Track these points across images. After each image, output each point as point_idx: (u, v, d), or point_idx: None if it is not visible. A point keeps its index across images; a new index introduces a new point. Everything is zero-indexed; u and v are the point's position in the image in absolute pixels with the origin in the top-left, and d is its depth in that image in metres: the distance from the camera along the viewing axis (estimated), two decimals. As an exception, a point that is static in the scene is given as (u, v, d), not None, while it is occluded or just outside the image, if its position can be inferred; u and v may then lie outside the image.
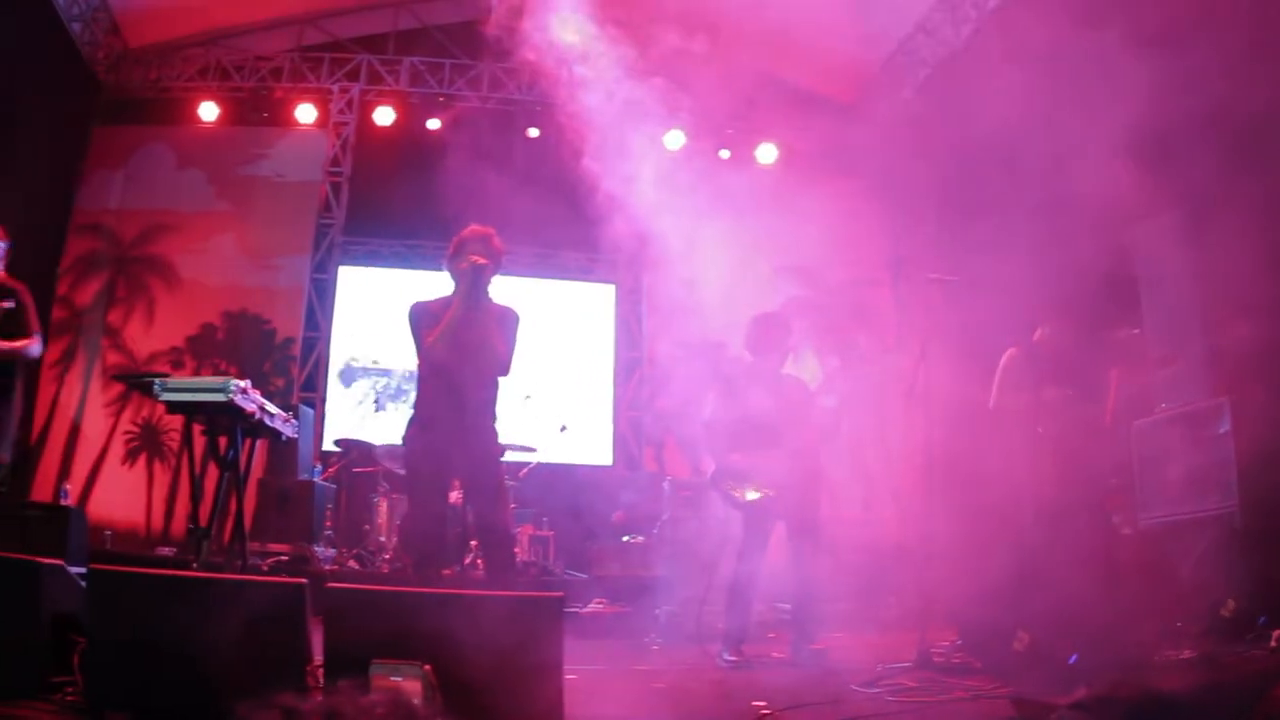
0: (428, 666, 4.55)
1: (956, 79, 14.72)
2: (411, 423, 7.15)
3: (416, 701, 4.38)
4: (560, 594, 5.26)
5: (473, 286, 6.96)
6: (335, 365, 18.72)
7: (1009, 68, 11.21)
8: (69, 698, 5.03)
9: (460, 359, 6.88)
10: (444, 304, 7.09)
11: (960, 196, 11.64)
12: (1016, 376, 8.84)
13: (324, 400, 18.36)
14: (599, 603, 12.16)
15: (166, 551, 14.28)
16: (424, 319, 7.09)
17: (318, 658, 4.98)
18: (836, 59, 16.45)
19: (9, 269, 9.15)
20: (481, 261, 6.96)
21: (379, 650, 4.76)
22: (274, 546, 13.18)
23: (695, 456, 16.15)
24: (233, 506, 8.54)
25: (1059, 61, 9.73)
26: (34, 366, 9.54)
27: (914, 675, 6.99)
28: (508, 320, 7.12)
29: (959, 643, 7.77)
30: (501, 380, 7.21)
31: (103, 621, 5.01)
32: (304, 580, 5.16)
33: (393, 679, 4.50)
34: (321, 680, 4.88)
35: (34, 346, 8.78)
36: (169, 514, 17.20)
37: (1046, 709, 4.60)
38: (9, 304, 8.67)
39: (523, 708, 4.76)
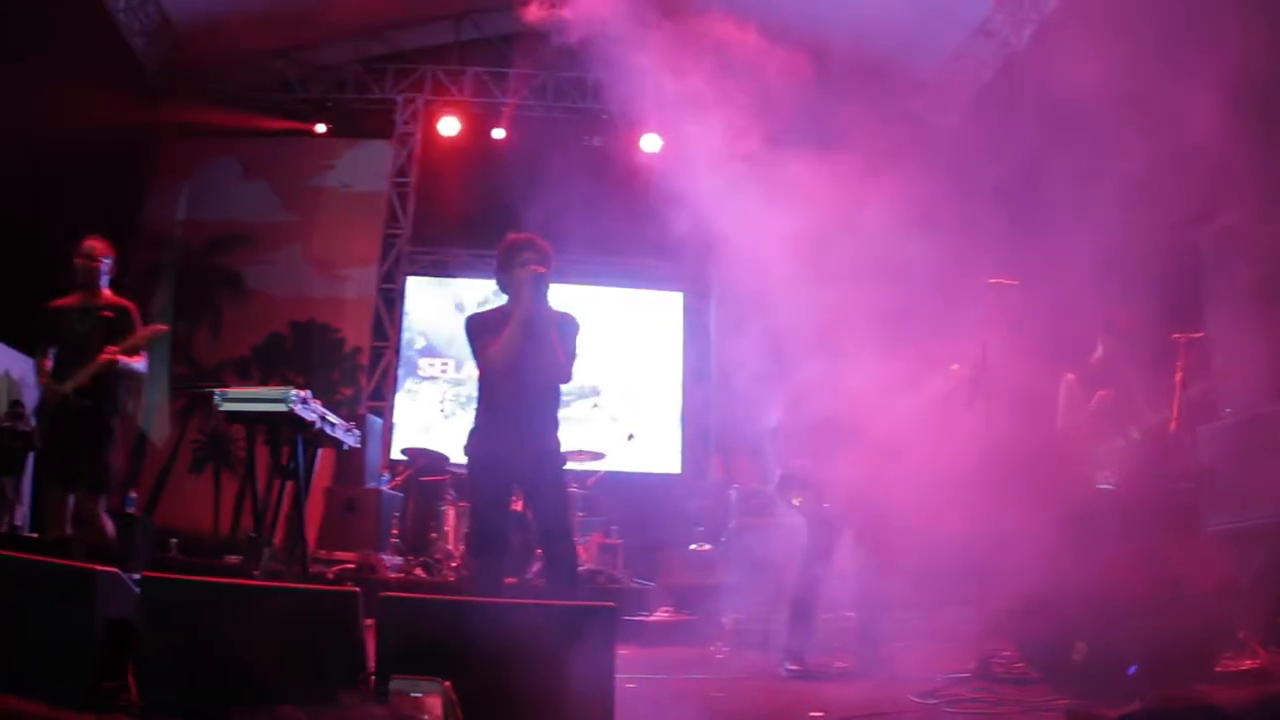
0: (448, 683, 4.50)
1: (1017, 80, 14.59)
2: (473, 432, 7.10)
3: (428, 717, 4.35)
4: (611, 604, 5.23)
5: (534, 295, 6.91)
6: (403, 374, 18.80)
7: (1070, 68, 11.08)
8: (121, 703, 5.03)
9: (522, 368, 6.83)
10: (500, 314, 7.03)
11: (1023, 199, 11.53)
12: (1077, 401, 8.70)
13: (392, 409, 18.49)
14: (665, 610, 12.12)
15: (234, 559, 14.35)
16: (482, 330, 7.04)
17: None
18: (899, 59, 16.34)
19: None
20: (542, 270, 6.92)
21: (427, 658, 4.74)
22: (341, 555, 13.23)
23: (764, 464, 16.12)
24: (291, 515, 8.53)
25: (1121, 60, 9.60)
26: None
27: (972, 685, 6.89)
28: (568, 326, 7.07)
29: (1017, 653, 7.67)
30: (563, 387, 7.17)
31: (156, 628, 5.03)
32: (357, 589, 5.14)
33: (413, 694, 4.46)
34: (373, 688, 4.87)
35: (141, 363, 8.76)
36: (236, 522, 17.18)
37: (1096, 720, 4.51)
38: (109, 314, 8.66)
39: (572, 717, 4.71)
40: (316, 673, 4.79)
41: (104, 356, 8.34)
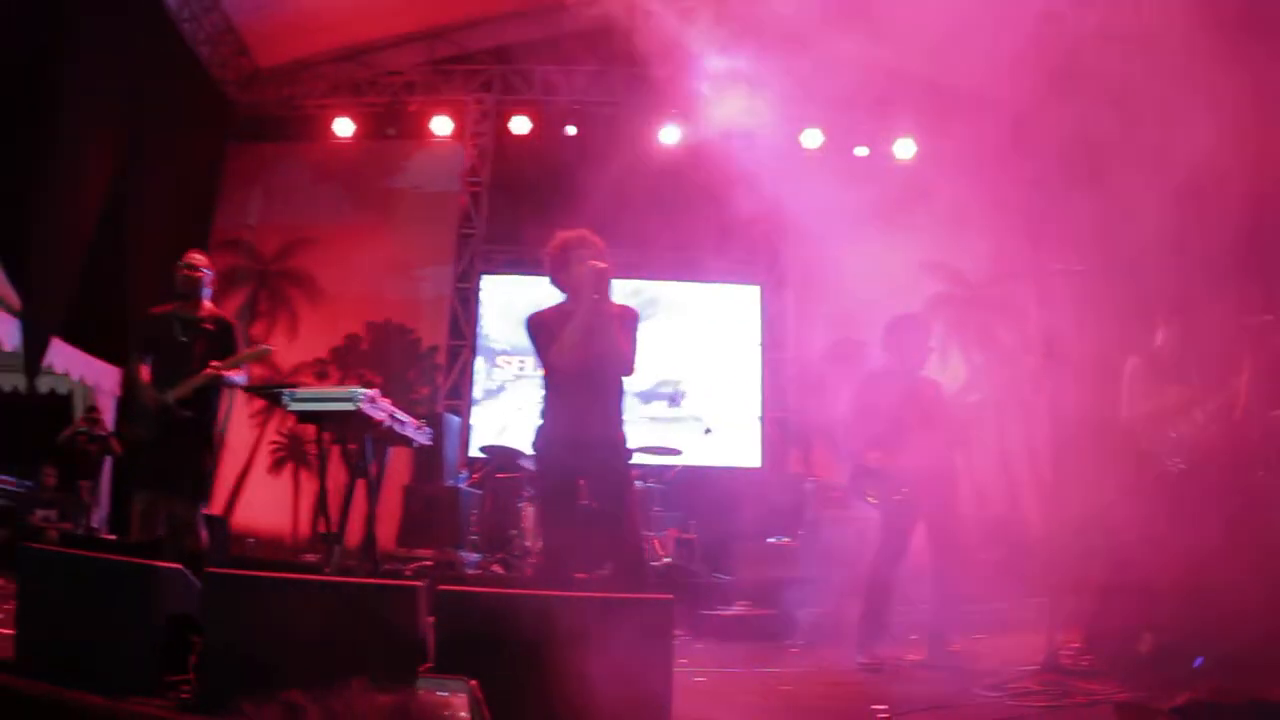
0: (474, 682, 4.50)
1: (1087, 64, 14.41)
2: (539, 429, 7.08)
3: (450, 714, 4.34)
4: (668, 596, 5.21)
5: (597, 291, 6.88)
6: (480, 372, 18.87)
7: (1138, 49, 10.92)
8: (183, 696, 5.12)
9: (587, 364, 6.81)
10: (560, 312, 7.00)
11: (1092, 182, 11.37)
12: (1143, 386, 8.56)
13: (470, 407, 18.56)
14: (742, 605, 12.04)
15: (311, 558, 14.45)
16: (543, 329, 7.02)
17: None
18: (964, 49, 16.19)
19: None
20: (603, 265, 6.88)
21: (481, 651, 4.76)
22: (419, 552, 13.31)
23: (842, 456, 16.05)
24: (364, 512, 8.57)
25: (1192, 37, 9.44)
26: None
27: (1039, 678, 6.82)
28: (628, 320, 7.03)
29: (1084, 644, 7.58)
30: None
31: (217, 623, 5.12)
32: (419, 583, 5.15)
33: (439, 693, 4.45)
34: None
35: (241, 377, 8.85)
36: (315, 522, 17.26)
37: (1149, 714, 4.44)
38: (210, 326, 8.75)
39: (627, 710, 4.69)
40: (376, 666, 4.80)
41: (209, 371, 8.43)
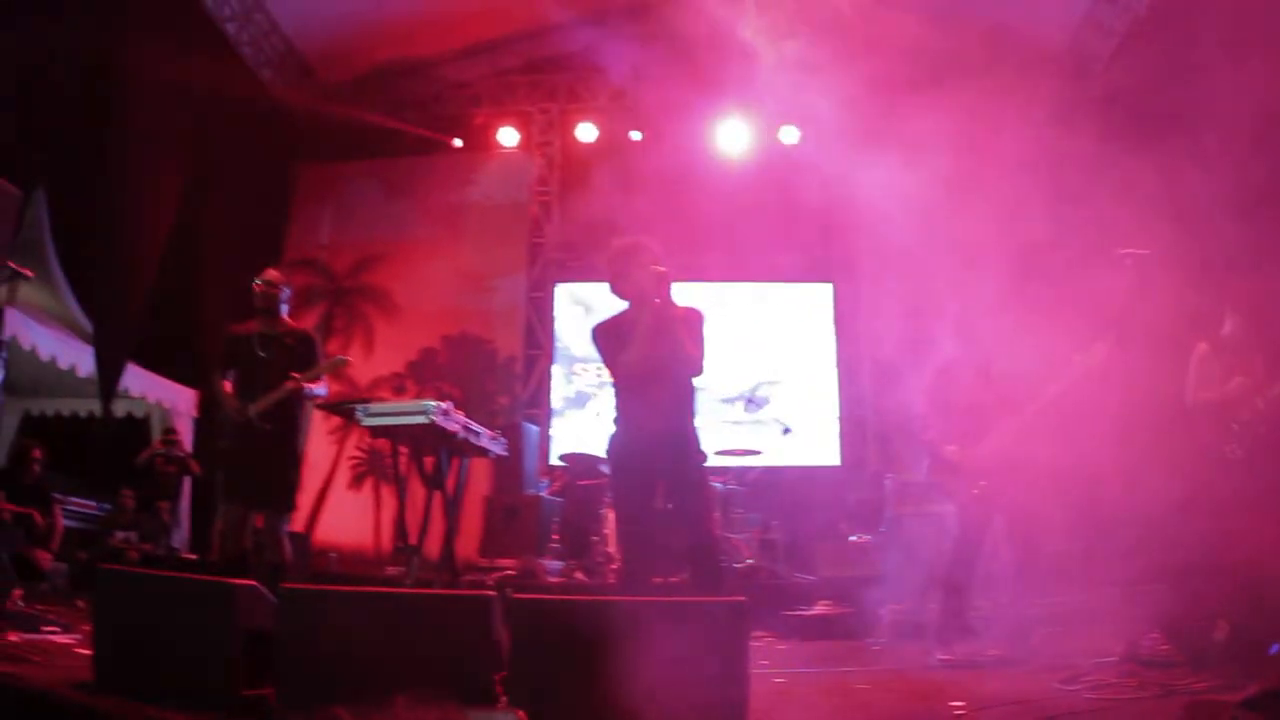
0: (521, 714, 4.52)
1: (1148, 44, 14.25)
2: (613, 437, 7.11)
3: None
4: (742, 598, 5.20)
5: (658, 295, 6.89)
6: (559, 380, 18.97)
7: (1201, 25, 10.82)
8: (261, 710, 5.16)
9: (655, 369, 6.83)
10: (626, 319, 7.03)
11: (1160, 164, 11.25)
12: (1209, 372, 8.45)
13: (549, 416, 18.66)
14: (825, 604, 12.01)
15: (394, 571, 14.55)
16: (608, 337, 7.06)
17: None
18: (1018, 34, 16.02)
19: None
20: (663, 269, 6.89)
21: (555, 658, 4.79)
22: (501, 561, 13.37)
23: (921, 451, 15.99)
24: (443, 524, 8.64)
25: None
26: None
27: (1118, 670, 6.75)
28: (694, 321, 7.03)
29: (1163, 635, 7.50)
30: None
31: (294, 638, 5.17)
32: (493, 593, 5.18)
33: None
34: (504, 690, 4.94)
35: (322, 388, 8.96)
36: (396, 535, 17.37)
37: (1218, 708, 4.40)
38: (291, 340, 8.87)
39: (703, 715, 4.70)
40: (453, 676, 4.85)
41: (290, 384, 8.55)
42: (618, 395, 7.17)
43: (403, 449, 8.78)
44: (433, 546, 9.10)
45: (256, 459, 8.55)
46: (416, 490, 8.81)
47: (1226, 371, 8.04)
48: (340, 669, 4.98)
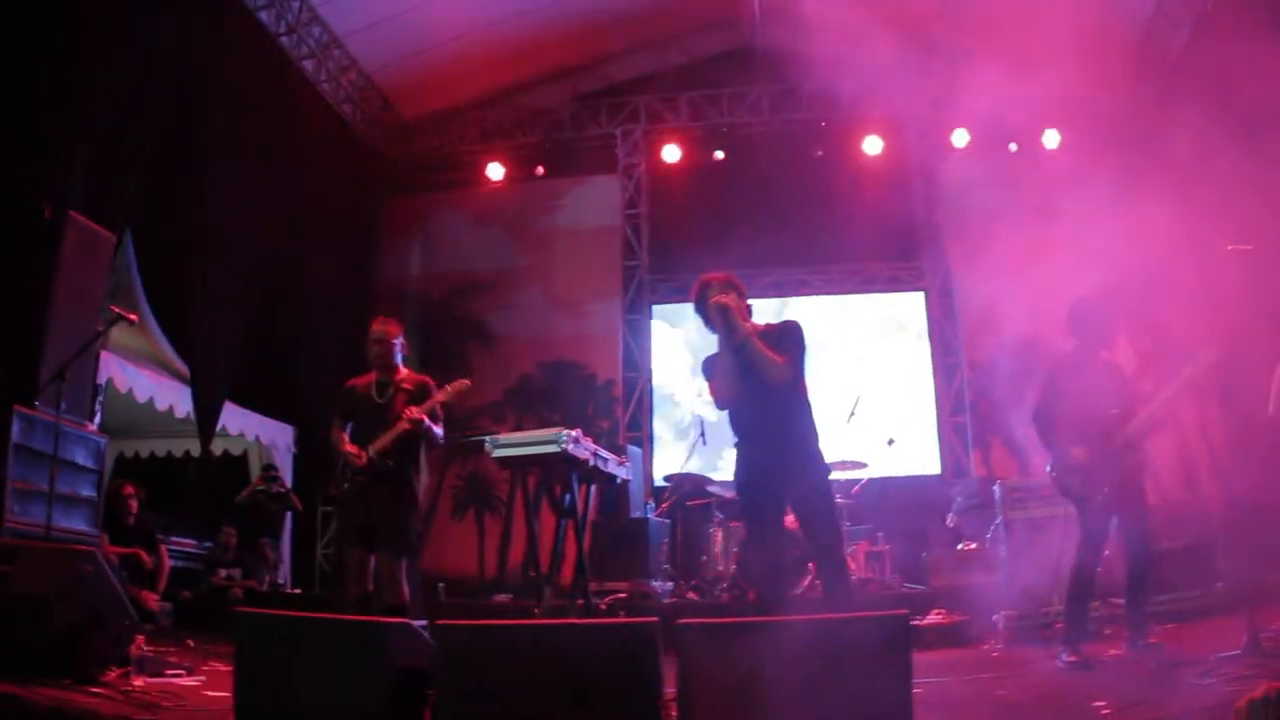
0: None
1: (1220, 31, 14.09)
2: (736, 463, 7.19)
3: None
4: (904, 610, 5.26)
5: (726, 328, 6.97)
6: (659, 401, 19.10)
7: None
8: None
9: (752, 393, 6.89)
10: (720, 353, 7.14)
11: (1249, 155, 11.12)
12: None
13: (650, 438, 18.75)
14: (938, 613, 12.00)
15: (503, 598, 14.65)
16: (709, 370, 7.16)
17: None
18: (1089, 28, 15.89)
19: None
20: (722, 300, 6.94)
21: (731, 682, 4.86)
22: (611, 585, 13.41)
23: (1024, 456, 15.93)
24: (572, 552, 8.71)
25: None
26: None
27: (1244, 662, 6.76)
28: (786, 335, 7.05)
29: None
30: (819, 404, 7.14)
31: (451, 674, 5.19)
32: (655, 619, 5.24)
33: None
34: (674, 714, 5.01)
35: (439, 430, 8.98)
36: (501, 562, 17.75)
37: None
38: (409, 385, 8.92)
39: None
40: (616, 704, 4.94)
41: (408, 415, 8.56)
42: (731, 424, 7.25)
43: (532, 478, 8.84)
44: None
45: (375, 501, 8.60)
46: (520, 517, 8.88)
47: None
48: (503, 705, 5.03)
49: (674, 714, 5.08)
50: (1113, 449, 8.15)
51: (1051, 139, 18.20)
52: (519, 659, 5.19)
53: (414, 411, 8.60)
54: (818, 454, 7.10)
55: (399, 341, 9.10)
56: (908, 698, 4.89)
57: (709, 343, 7.29)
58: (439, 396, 8.84)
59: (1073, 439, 8.30)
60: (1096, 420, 8.22)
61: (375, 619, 5.78)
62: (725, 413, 7.23)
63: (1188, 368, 8.03)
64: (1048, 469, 8.63)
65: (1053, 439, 8.48)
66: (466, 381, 8.95)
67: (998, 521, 11.82)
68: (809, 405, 7.12)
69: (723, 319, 6.89)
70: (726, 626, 5.36)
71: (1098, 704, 5.87)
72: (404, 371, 9.10)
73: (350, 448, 8.71)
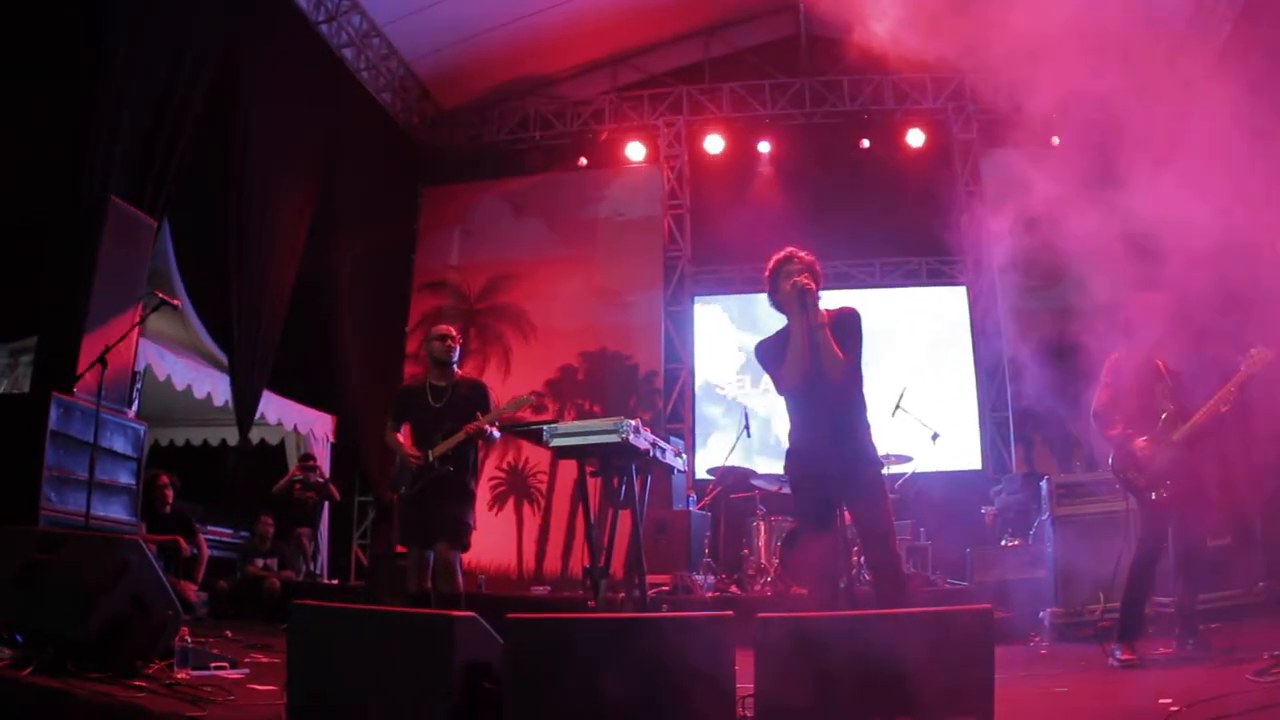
0: None
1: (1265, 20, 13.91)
2: (788, 454, 7.07)
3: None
4: (988, 605, 5.21)
5: (803, 309, 6.86)
6: (701, 393, 19.03)
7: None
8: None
9: (816, 382, 6.78)
10: (782, 336, 6.98)
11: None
12: None
13: (692, 429, 18.63)
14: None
15: (541, 590, 14.56)
16: (768, 354, 7.02)
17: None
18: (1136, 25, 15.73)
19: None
20: (803, 281, 6.85)
21: (808, 677, 4.80)
22: (654, 577, 13.35)
23: (1067, 452, 15.82)
24: (620, 544, 8.68)
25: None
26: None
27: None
28: (847, 323, 6.94)
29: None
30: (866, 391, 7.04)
31: (521, 669, 5.09)
32: (730, 613, 5.15)
33: None
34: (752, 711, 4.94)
35: (495, 431, 9.21)
36: (540, 554, 17.66)
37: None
38: (465, 389, 9.14)
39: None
40: (690, 701, 4.86)
41: (471, 427, 8.80)
42: (789, 412, 7.13)
43: (589, 468, 8.80)
44: (575, 566, 9.09)
45: (435, 501, 8.80)
46: (558, 509, 8.85)
47: None
48: (573, 699, 4.97)
49: (750, 712, 5.02)
50: (1173, 445, 8.07)
51: (1093, 134, 18.02)
52: (595, 653, 5.10)
53: (479, 422, 8.86)
54: (874, 448, 6.98)
55: (458, 345, 9.35)
56: (989, 693, 4.83)
57: (751, 335, 7.19)
58: (502, 407, 9.12)
59: (1136, 433, 8.23)
60: (1156, 417, 8.14)
61: (442, 611, 5.64)
62: (782, 399, 7.12)
63: (1245, 364, 7.94)
64: (1110, 462, 8.54)
65: (1114, 435, 8.39)
66: (531, 397, 9.25)
67: (1044, 517, 11.71)
68: (865, 400, 7.00)
69: (801, 301, 6.78)
70: (809, 621, 5.25)
71: (1164, 700, 5.77)
72: (459, 374, 9.36)
73: (413, 451, 8.93)
